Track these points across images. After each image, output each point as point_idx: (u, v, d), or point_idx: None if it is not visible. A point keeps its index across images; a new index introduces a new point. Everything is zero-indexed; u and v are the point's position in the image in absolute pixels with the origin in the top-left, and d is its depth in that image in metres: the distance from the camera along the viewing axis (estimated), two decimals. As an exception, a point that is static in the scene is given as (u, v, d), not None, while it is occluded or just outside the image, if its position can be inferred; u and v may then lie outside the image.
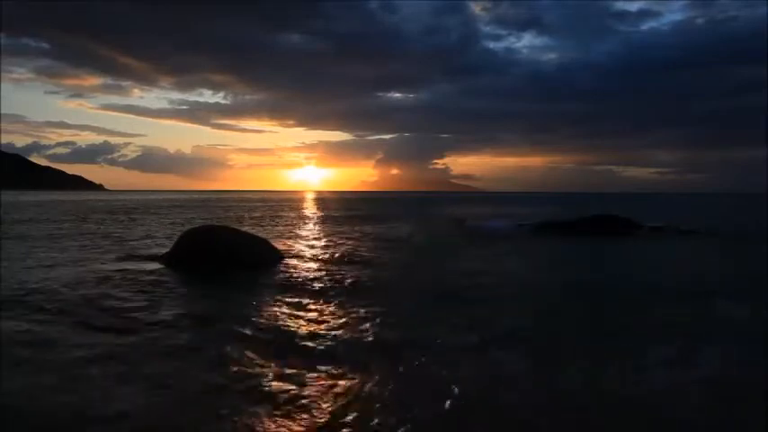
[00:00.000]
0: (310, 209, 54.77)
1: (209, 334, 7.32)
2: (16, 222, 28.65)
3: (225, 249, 13.39)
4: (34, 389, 5.23)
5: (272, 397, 5.02)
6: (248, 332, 7.30)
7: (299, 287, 10.72)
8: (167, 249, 15.01)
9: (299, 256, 15.48)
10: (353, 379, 5.51)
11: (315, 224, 31.25)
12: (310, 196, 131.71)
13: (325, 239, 21.23)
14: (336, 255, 16.01)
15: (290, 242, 19.70)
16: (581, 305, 9.63)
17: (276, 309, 8.82)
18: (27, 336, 7.10)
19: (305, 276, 12.01)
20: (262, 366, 5.91)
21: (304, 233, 24.42)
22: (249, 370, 5.77)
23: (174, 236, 18.02)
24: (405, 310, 9.02)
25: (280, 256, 14.89)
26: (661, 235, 23.58)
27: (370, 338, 7.04)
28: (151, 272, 12.28)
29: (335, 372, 5.73)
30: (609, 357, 6.45)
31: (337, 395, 5.10)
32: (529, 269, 14.36)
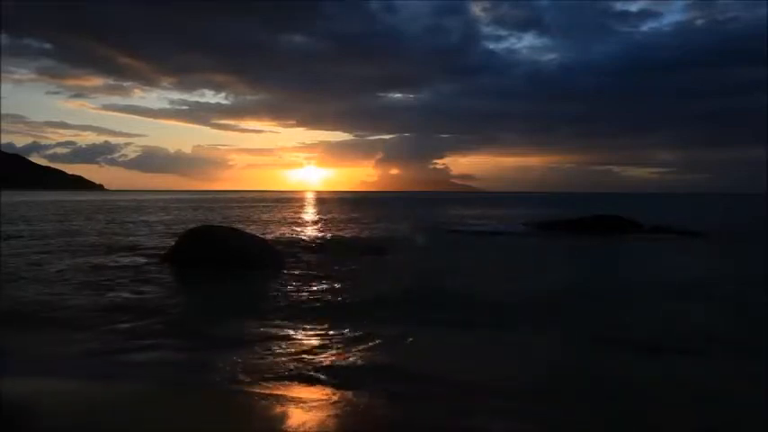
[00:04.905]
0: (309, 210, 54.72)
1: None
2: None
3: (224, 249, 13.35)
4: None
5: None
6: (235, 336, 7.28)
7: (299, 289, 10.68)
8: (166, 250, 14.98)
9: (298, 258, 15.43)
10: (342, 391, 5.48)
11: (314, 226, 31.20)
12: (310, 196, 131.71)
13: (323, 242, 21.18)
14: (335, 258, 15.99)
15: (288, 242, 19.64)
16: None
17: (272, 309, 8.79)
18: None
19: (305, 279, 11.96)
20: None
21: (303, 234, 24.36)
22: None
23: (174, 235, 18.00)
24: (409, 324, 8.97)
25: (280, 256, 14.83)
26: (662, 236, 23.52)
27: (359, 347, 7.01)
28: (149, 270, 12.26)
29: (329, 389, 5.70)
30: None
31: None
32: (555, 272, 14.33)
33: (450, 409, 4.83)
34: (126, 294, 9.82)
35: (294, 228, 27.85)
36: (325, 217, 39.17)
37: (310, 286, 10.80)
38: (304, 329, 7.44)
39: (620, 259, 17.75)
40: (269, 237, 20.23)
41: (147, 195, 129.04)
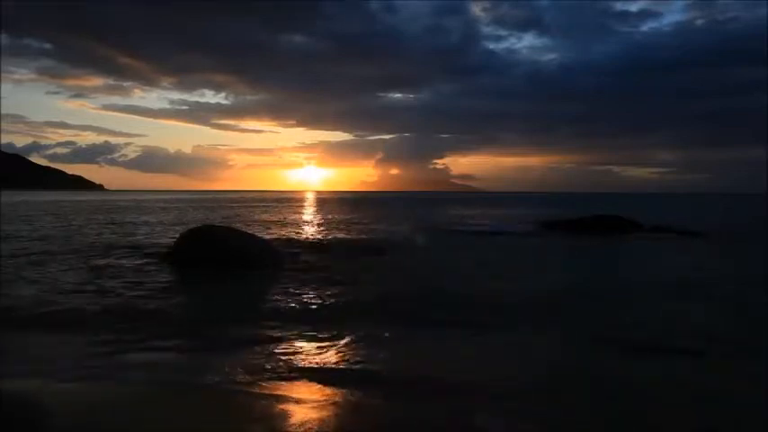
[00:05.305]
0: (309, 210, 54.71)
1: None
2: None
3: (224, 249, 13.35)
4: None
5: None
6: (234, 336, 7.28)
7: (299, 289, 10.67)
8: (166, 250, 14.99)
9: (298, 258, 15.42)
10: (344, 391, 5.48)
11: (314, 226, 31.19)
12: (310, 196, 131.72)
13: (323, 242, 21.19)
14: (335, 259, 15.99)
15: (288, 242, 19.63)
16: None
17: (272, 310, 8.79)
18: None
19: (305, 279, 11.96)
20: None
21: (303, 235, 24.37)
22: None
23: (174, 235, 17.98)
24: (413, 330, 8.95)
25: (280, 257, 14.82)
26: (662, 236, 23.52)
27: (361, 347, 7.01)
28: (149, 270, 12.26)
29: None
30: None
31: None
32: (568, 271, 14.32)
33: (450, 409, 4.83)
34: (125, 294, 9.81)
35: (294, 228, 27.84)
36: (325, 217, 39.16)
37: (310, 286, 10.79)
38: (304, 330, 7.43)
39: (620, 259, 17.75)
40: (269, 237, 20.23)
41: (147, 195, 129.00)
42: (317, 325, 7.67)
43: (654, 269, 14.65)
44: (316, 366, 5.93)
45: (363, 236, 23.32)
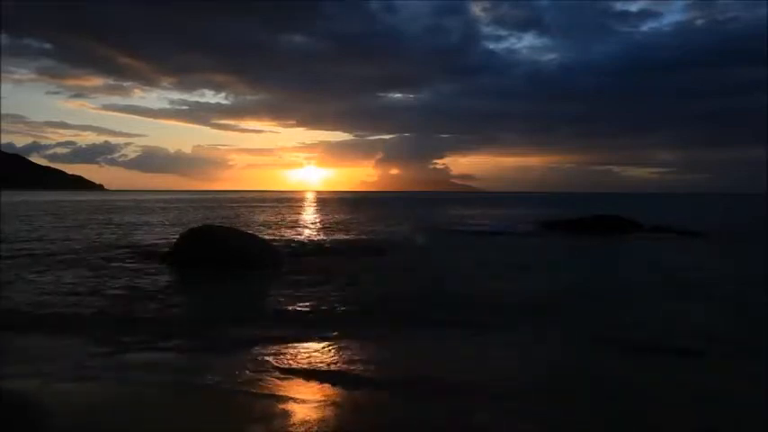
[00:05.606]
0: (309, 210, 54.69)
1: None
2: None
3: (224, 249, 13.34)
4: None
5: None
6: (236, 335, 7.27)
7: (298, 289, 10.66)
8: (166, 250, 14.98)
9: (298, 258, 15.42)
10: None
11: (314, 226, 31.18)
12: (310, 196, 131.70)
13: (323, 242, 21.18)
14: (335, 259, 15.98)
15: (288, 242, 19.63)
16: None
17: (271, 310, 8.78)
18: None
19: (304, 279, 11.95)
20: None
21: (303, 235, 24.36)
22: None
23: (173, 235, 17.97)
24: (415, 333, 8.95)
25: (280, 257, 14.82)
26: (662, 235, 23.51)
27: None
28: (149, 270, 12.25)
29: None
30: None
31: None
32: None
33: (450, 409, 4.83)
34: (125, 295, 9.81)
35: (294, 228, 27.84)
36: (325, 217, 39.14)
37: (310, 287, 10.78)
38: (303, 330, 7.43)
39: (620, 259, 17.75)
40: (269, 237, 20.22)
41: (147, 195, 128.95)
42: (317, 325, 7.67)
43: (654, 269, 14.63)
44: (316, 366, 5.92)
45: (363, 236, 23.31)
